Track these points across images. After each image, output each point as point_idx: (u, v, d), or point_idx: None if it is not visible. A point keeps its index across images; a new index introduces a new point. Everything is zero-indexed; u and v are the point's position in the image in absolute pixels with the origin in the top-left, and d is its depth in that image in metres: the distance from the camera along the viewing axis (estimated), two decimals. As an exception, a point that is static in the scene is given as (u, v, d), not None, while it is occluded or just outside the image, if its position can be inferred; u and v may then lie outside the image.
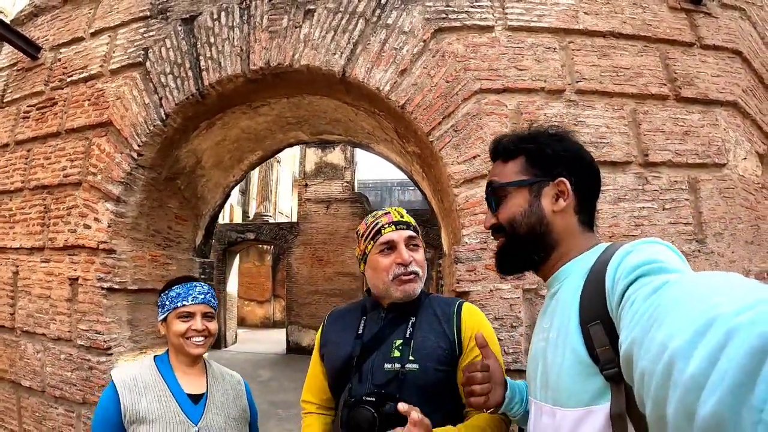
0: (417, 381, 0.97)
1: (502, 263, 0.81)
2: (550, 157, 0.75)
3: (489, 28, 2.10)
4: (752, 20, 2.40)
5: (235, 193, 14.42)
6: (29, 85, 2.65)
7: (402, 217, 1.09)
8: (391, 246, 1.05)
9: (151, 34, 2.33)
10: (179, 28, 2.26)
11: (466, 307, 1.10)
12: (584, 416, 0.60)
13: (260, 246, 14.37)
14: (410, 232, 1.07)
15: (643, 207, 2.03)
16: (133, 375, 1.20)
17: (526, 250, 0.76)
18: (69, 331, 2.22)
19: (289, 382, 7.34)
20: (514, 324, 1.79)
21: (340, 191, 10.50)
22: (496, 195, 0.79)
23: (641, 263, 0.55)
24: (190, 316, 1.22)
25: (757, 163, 2.26)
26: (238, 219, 14.60)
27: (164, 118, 2.16)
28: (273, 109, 2.36)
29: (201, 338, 1.23)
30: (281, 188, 16.14)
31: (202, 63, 2.16)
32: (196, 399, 1.24)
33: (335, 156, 10.88)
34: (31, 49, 2.64)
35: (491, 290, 1.84)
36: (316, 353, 1.18)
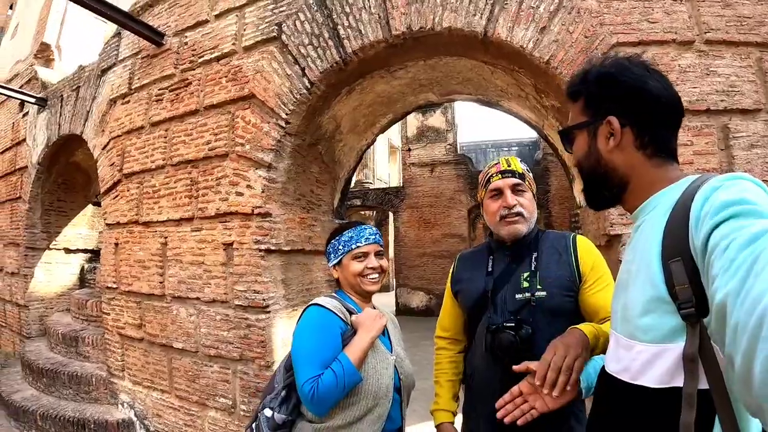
0: (546, 306, 1.11)
1: (586, 200, 0.83)
2: (597, 96, 0.74)
3: (617, -17, 2.18)
4: None
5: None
6: (157, 70, 2.80)
7: (509, 165, 1.22)
8: (498, 192, 1.20)
9: (281, 9, 2.45)
10: (311, 2, 2.37)
11: (580, 239, 1.23)
12: (660, 353, 0.60)
13: (362, 212, 14.55)
14: (515, 180, 1.20)
15: (774, 153, 2.10)
16: (336, 306, 1.23)
17: (597, 189, 0.78)
18: (224, 293, 2.37)
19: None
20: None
21: (444, 154, 10.48)
22: (566, 139, 0.81)
23: (730, 202, 0.51)
24: (364, 255, 1.28)
25: None
26: (339, 187, 14.88)
27: (309, 86, 2.29)
28: (408, 72, 2.47)
29: (376, 275, 1.30)
30: (377, 155, 16.38)
31: (341, 32, 2.27)
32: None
33: (436, 119, 10.79)
34: (155, 36, 2.79)
35: (645, 231, 1.93)
36: (448, 292, 1.36)
